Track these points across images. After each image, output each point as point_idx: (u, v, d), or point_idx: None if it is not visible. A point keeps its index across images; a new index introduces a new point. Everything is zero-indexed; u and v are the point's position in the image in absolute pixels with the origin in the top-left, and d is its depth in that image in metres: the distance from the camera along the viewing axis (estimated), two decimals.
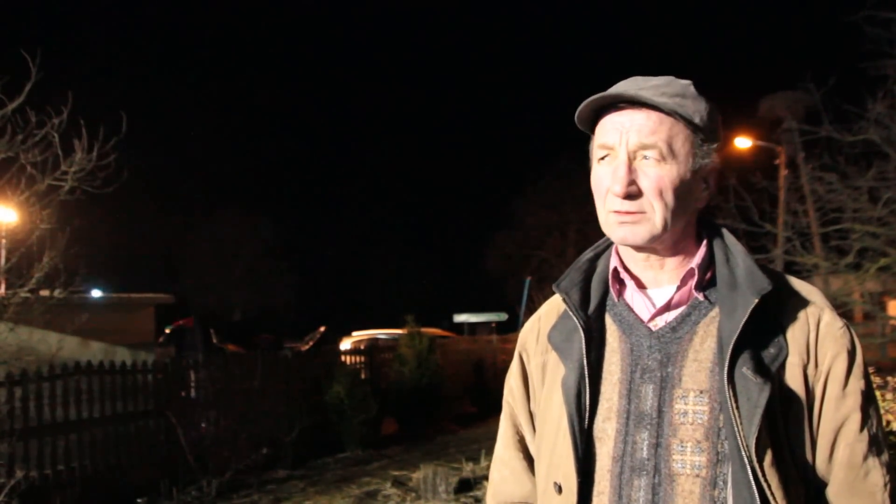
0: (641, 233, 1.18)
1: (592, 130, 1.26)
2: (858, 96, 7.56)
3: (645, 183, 1.17)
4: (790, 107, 18.04)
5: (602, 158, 1.22)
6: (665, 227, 1.18)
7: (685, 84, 1.21)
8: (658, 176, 1.17)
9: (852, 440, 1.15)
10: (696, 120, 1.19)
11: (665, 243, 1.22)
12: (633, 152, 1.18)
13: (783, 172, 16.11)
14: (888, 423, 3.08)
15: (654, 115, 1.18)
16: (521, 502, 1.40)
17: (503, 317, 17.76)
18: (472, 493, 6.44)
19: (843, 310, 7.29)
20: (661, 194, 1.17)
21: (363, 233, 43.20)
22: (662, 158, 1.17)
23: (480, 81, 70.60)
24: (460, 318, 18.06)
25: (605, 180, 1.21)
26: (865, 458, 1.15)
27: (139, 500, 6.75)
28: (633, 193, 1.17)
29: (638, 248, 1.23)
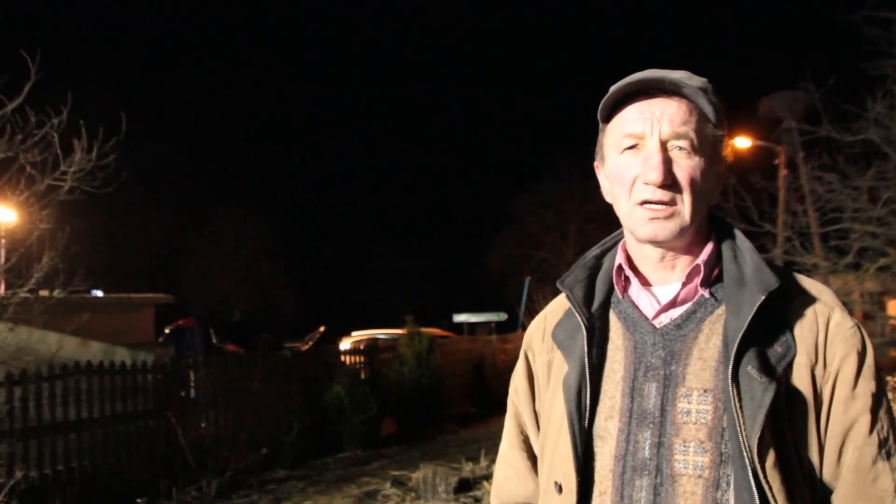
0: (672, 227, 1.15)
1: (607, 120, 1.23)
2: (858, 96, 7.54)
3: (678, 174, 1.14)
4: (790, 107, 18.02)
5: (629, 148, 1.17)
6: (692, 222, 1.16)
7: (704, 80, 1.19)
8: (690, 167, 1.15)
9: (861, 443, 1.11)
10: (715, 116, 1.18)
11: (685, 239, 1.19)
12: (666, 142, 1.15)
13: (783, 172, 16.10)
14: None
15: (684, 105, 1.17)
16: (524, 502, 1.38)
17: (503, 317, 17.77)
18: (471, 493, 6.43)
19: None
20: (691, 187, 1.15)
21: (363, 233, 43.16)
22: (692, 150, 1.15)
23: (481, 81, 70.64)
24: (460, 318, 18.08)
25: (630, 170, 1.17)
26: (875, 461, 1.10)
27: (139, 500, 6.74)
28: (668, 182, 1.14)
29: (657, 245, 1.19)
